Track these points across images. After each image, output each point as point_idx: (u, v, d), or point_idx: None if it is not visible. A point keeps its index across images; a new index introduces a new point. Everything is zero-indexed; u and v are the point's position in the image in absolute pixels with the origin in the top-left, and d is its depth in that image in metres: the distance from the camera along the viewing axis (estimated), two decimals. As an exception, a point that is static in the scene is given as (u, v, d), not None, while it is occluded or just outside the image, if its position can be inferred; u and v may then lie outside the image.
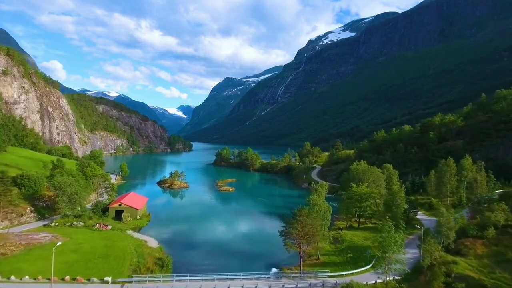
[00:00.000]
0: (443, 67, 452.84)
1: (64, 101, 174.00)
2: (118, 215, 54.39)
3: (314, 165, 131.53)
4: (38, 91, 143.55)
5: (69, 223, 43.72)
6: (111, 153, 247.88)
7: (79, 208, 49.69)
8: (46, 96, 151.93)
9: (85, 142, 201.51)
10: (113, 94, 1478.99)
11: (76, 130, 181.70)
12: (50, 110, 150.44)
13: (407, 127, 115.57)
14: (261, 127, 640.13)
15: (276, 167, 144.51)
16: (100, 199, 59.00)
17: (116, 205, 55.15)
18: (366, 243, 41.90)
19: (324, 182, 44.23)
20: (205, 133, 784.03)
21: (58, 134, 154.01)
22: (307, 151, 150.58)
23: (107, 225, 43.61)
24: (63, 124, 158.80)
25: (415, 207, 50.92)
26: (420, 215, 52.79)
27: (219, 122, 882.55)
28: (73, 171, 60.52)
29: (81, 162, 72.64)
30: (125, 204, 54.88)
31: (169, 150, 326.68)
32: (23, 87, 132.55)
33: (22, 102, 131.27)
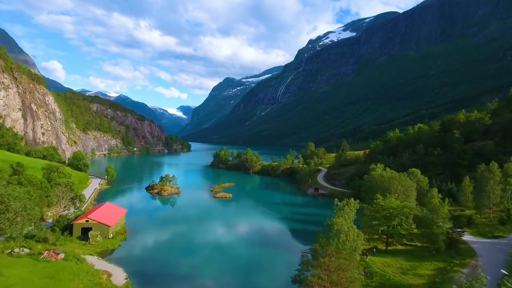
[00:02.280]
0: (446, 67, 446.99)
1: (50, 99, 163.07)
2: (85, 233, 43.62)
3: (320, 167, 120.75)
4: (20, 87, 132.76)
5: (10, 250, 33.00)
6: (104, 154, 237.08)
7: (32, 227, 38.95)
8: (30, 92, 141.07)
9: (75, 142, 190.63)
10: (113, 94, 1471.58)
11: (64, 129, 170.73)
12: (34, 108, 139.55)
13: (420, 125, 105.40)
14: (261, 127, 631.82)
15: (277, 169, 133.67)
16: (66, 212, 48.08)
17: (82, 221, 44.30)
18: (405, 279, 31.14)
19: (353, 200, 33.10)
20: (205, 133, 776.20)
21: (43, 133, 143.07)
22: (311, 152, 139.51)
23: (58, 253, 32.89)
24: (49, 123, 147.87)
25: (460, 226, 40.15)
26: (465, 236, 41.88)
27: (219, 122, 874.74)
28: (33, 178, 49.85)
29: (48, 166, 61.80)
30: (93, 220, 44.06)
31: (166, 151, 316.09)
32: (2, 82, 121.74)
33: (1, 99, 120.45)
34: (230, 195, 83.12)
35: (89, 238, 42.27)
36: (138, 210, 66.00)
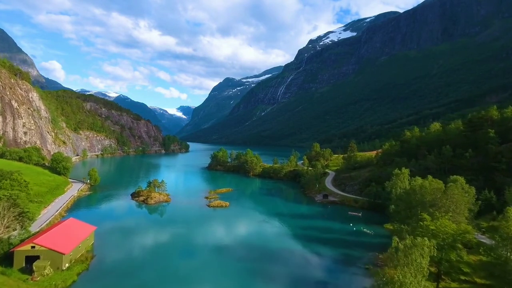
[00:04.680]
0: (448, 66, 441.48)
1: (35, 95, 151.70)
2: (31, 262, 32.65)
3: (326, 170, 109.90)
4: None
5: None
6: (97, 155, 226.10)
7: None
8: (10, 88, 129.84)
9: (64, 142, 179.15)
10: (112, 94, 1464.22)
11: (50, 128, 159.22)
12: (15, 105, 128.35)
13: (436, 124, 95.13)
14: (262, 127, 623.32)
15: (280, 172, 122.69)
16: (11, 234, 36.75)
17: (27, 246, 33.29)
18: None
19: (424, 241, 21.71)
20: (205, 134, 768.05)
21: (25, 133, 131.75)
22: (316, 153, 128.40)
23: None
24: (32, 122, 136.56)
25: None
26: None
27: (219, 123, 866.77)
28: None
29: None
30: (41, 245, 33.06)
31: (163, 152, 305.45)
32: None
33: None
34: (227, 203, 72.11)
35: (33, 272, 31.30)
36: (115, 225, 54.73)
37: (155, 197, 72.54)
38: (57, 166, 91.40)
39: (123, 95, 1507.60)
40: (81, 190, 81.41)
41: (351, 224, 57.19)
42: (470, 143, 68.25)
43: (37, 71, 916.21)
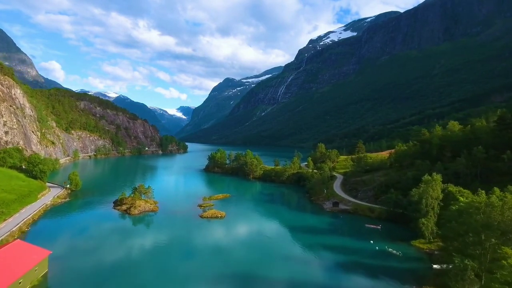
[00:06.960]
0: (449, 66, 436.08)
1: (18, 92, 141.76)
2: None
3: (333, 173, 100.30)
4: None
5: None
6: (90, 156, 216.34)
7: None
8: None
9: (52, 143, 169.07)
10: (112, 94, 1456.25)
11: (36, 128, 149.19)
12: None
13: (452, 123, 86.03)
14: (262, 127, 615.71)
15: (282, 175, 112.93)
16: None
17: None
18: None
19: None
20: (205, 134, 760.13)
21: (6, 132, 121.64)
22: (321, 154, 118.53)
23: None
24: (15, 121, 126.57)
25: None
26: None
27: (219, 123, 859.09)
28: None
29: None
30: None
31: (160, 152, 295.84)
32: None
33: None
34: (223, 213, 62.29)
35: None
36: (84, 244, 44.56)
37: (139, 206, 62.70)
38: (33, 169, 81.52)
39: (123, 96, 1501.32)
40: (57, 197, 71.55)
41: (372, 241, 47.44)
42: (503, 143, 59.05)
43: (36, 71, 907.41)
